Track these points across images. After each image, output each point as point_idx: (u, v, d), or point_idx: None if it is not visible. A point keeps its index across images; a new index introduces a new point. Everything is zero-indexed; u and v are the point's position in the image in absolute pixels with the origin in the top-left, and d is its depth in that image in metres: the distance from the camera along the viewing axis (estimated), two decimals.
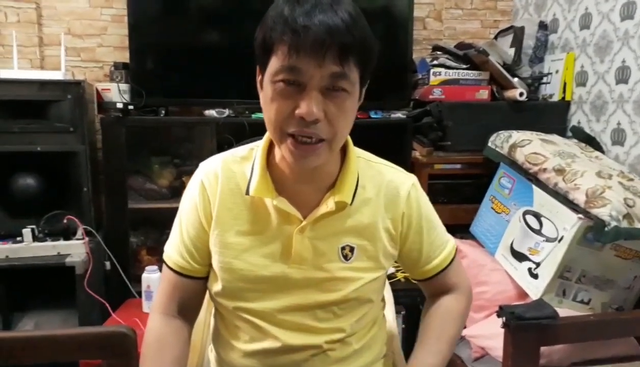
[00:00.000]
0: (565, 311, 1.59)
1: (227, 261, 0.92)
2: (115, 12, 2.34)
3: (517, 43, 2.32)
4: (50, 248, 1.84)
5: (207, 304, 1.11)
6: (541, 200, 1.74)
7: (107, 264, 2.01)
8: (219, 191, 0.93)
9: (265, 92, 0.83)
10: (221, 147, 2.08)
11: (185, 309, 0.99)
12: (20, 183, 1.90)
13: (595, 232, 1.53)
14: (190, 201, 0.96)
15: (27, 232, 1.83)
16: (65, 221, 1.87)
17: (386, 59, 2.30)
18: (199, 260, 0.96)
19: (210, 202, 0.94)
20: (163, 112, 2.13)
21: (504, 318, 1.28)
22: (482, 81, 2.25)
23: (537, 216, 1.73)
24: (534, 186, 1.79)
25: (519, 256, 1.76)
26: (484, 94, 2.23)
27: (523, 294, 1.73)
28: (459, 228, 2.16)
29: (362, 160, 0.98)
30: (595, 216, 1.53)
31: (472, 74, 2.24)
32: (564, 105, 2.25)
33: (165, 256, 0.99)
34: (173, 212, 1.01)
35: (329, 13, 0.76)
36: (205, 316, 1.13)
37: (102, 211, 2.10)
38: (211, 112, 2.09)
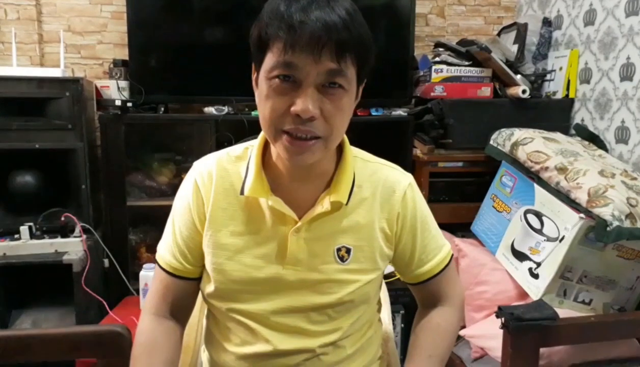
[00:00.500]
0: (566, 311, 1.57)
1: (221, 262, 0.91)
2: (115, 8, 2.33)
3: (521, 40, 2.29)
4: (47, 246, 1.83)
5: (200, 304, 1.10)
6: (543, 199, 1.72)
7: (106, 261, 2.01)
8: (213, 191, 0.92)
9: (261, 89, 0.82)
10: (220, 144, 2.08)
11: (177, 310, 0.98)
12: (18, 180, 1.89)
13: (597, 232, 1.51)
14: (183, 201, 0.95)
15: (24, 229, 1.83)
16: (63, 218, 1.86)
17: (388, 56, 2.30)
18: (191, 261, 0.95)
19: (203, 202, 0.92)
20: (162, 109, 2.12)
21: (503, 319, 1.27)
22: (485, 78, 2.23)
23: (539, 215, 1.71)
24: (535, 185, 1.77)
25: (520, 256, 1.74)
26: (486, 91, 2.21)
27: (524, 294, 1.71)
28: (460, 227, 2.15)
29: (359, 160, 0.97)
30: (597, 216, 1.51)
31: (474, 71, 2.22)
32: (568, 103, 2.22)
33: (157, 257, 0.98)
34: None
35: (325, 9, 0.75)
36: (199, 316, 1.12)
37: (101, 208, 2.10)
38: (210, 110, 2.08)
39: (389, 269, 1.03)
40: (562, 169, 1.70)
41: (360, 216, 0.93)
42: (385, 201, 0.94)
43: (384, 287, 1.17)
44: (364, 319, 0.98)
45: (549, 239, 1.64)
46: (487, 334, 1.66)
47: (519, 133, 1.96)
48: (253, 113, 2.05)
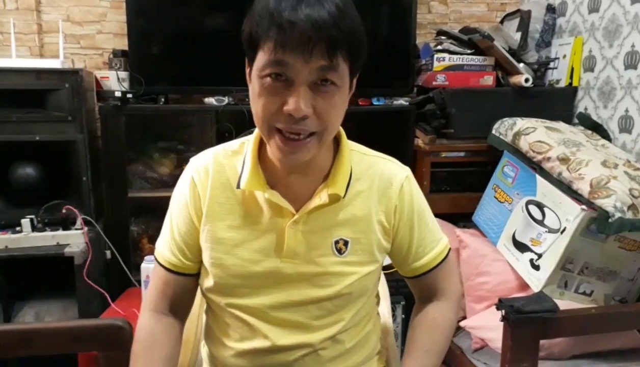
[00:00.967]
0: (567, 302, 1.57)
1: (218, 256, 0.91)
2: None
3: (524, 27, 2.26)
4: (49, 238, 1.84)
5: (200, 299, 1.10)
6: (544, 190, 1.71)
7: (107, 253, 2.01)
8: (210, 186, 0.92)
9: (253, 86, 0.81)
10: (221, 135, 2.07)
11: (177, 307, 0.98)
12: (19, 172, 1.89)
13: (598, 223, 1.50)
14: (180, 197, 0.95)
15: (26, 222, 1.83)
16: (64, 210, 1.86)
17: (389, 44, 2.27)
18: (190, 257, 0.95)
19: (200, 197, 0.92)
20: (162, 100, 2.11)
21: (503, 311, 1.27)
22: (487, 67, 2.20)
23: (540, 206, 1.70)
24: (537, 176, 1.76)
25: (521, 247, 1.74)
26: (488, 79, 2.18)
27: (524, 285, 1.71)
28: (462, 217, 2.14)
29: (356, 153, 0.97)
30: (599, 207, 1.50)
31: (476, 60, 2.19)
32: (571, 91, 2.20)
33: (156, 253, 0.98)
34: None
35: (315, 7, 0.74)
36: (199, 310, 1.12)
37: (102, 200, 2.10)
38: (211, 100, 2.07)
39: (388, 260, 1.03)
40: (564, 160, 1.69)
41: (358, 209, 0.92)
42: (382, 194, 0.94)
43: (383, 281, 1.17)
44: (363, 313, 0.98)
45: (551, 231, 1.63)
46: (488, 325, 1.66)
47: (521, 123, 1.95)
48: None
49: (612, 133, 1.99)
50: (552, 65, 2.29)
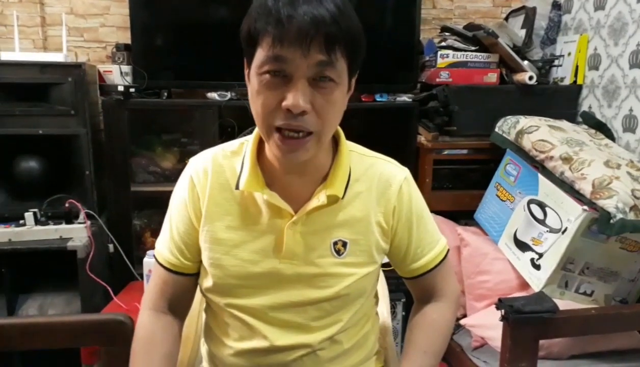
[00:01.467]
0: (567, 302, 1.57)
1: (218, 257, 0.91)
2: None
3: (529, 24, 2.25)
4: (52, 232, 1.84)
5: (200, 297, 1.11)
6: (546, 189, 1.70)
7: (110, 247, 2.02)
8: (209, 187, 0.92)
9: (252, 85, 0.82)
10: (224, 129, 2.07)
11: (176, 306, 0.99)
12: (22, 166, 1.90)
13: (600, 224, 1.50)
14: (179, 198, 0.96)
15: (29, 215, 1.84)
16: (67, 204, 1.87)
17: (393, 40, 2.26)
18: (189, 257, 0.95)
19: (199, 198, 0.93)
20: (165, 94, 2.11)
21: (502, 311, 1.27)
22: (491, 64, 2.19)
23: (542, 206, 1.70)
24: (539, 175, 1.75)
25: (522, 246, 1.74)
26: (492, 77, 2.17)
27: (525, 284, 1.71)
28: (464, 214, 2.15)
29: (354, 154, 0.97)
30: (601, 208, 1.50)
31: (480, 57, 2.18)
32: (575, 90, 2.18)
33: (155, 252, 0.99)
34: None
35: (313, 3, 0.75)
36: (199, 308, 1.13)
37: (105, 194, 2.11)
38: (213, 95, 2.07)
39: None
40: (566, 159, 1.68)
41: (357, 210, 0.93)
42: (381, 195, 0.95)
43: (382, 281, 1.17)
44: (361, 313, 0.98)
45: (552, 231, 1.63)
46: (488, 323, 1.66)
47: (524, 121, 1.94)
48: None
49: (616, 132, 1.98)
50: (556, 62, 2.28)
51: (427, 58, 2.26)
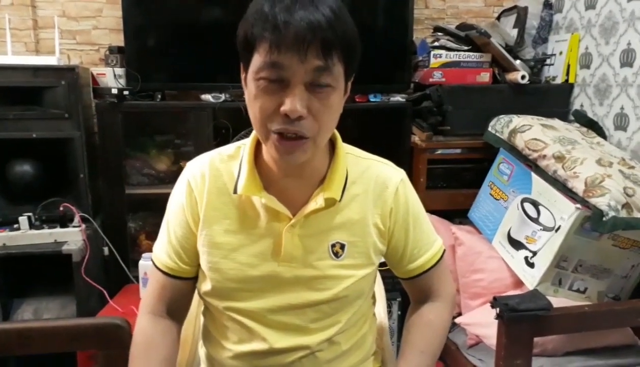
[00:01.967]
0: (561, 300, 1.59)
1: (216, 260, 0.91)
2: None
3: (521, 23, 2.26)
4: (47, 236, 1.84)
5: (198, 300, 1.11)
6: (539, 188, 1.72)
7: (105, 250, 2.02)
8: (206, 191, 0.92)
9: (249, 89, 0.82)
10: (218, 131, 2.07)
11: (174, 309, 0.99)
12: (16, 170, 1.89)
13: (592, 222, 1.52)
14: (177, 202, 0.96)
15: (23, 219, 1.83)
16: (61, 208, 1.86)
17: (386, 40, 2.27)
18: (186, 261, 0.96)
19: (197, 202, 0.93)
20: (159, 96, 2.11)
21: (497, 309, 1.29)
22: (484, 63, 2.21)
23: (535, 204, 1.71)
24: (532, 174, 1.77)
25: (516, 244, 1.75)
26: (485, 76, 2.19)
27: (519, 282, 1.73)
28: (458, 213, 2.16)
29: (351, 157, 0.97)
30: (594, 206, 1.52)
31: (473, 56, 2.19)
32: (567, 88, 2.21)
33: (153, 257, 0.99)
34: None
35: (309, 8, 0.75)
36: (197, 310, 1.13)
37: (99, 197, 2.10)
38: (207, 97, 2.07)
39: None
40: (559, 158, 1.70)
41: (354, 212, 0.93)
42: (378, 197, 0.95)
43: (379, 282, 1.18)
44: (359, 314, 0.99)
45: (545, 229, 1.64)
46: (482, 322, 1.68)
47: (517, 120, 1.95)
48: None
49: (608, 130, 2.00)
50: (548, 61, 2.30)
51: (420, 58, 2.27)
